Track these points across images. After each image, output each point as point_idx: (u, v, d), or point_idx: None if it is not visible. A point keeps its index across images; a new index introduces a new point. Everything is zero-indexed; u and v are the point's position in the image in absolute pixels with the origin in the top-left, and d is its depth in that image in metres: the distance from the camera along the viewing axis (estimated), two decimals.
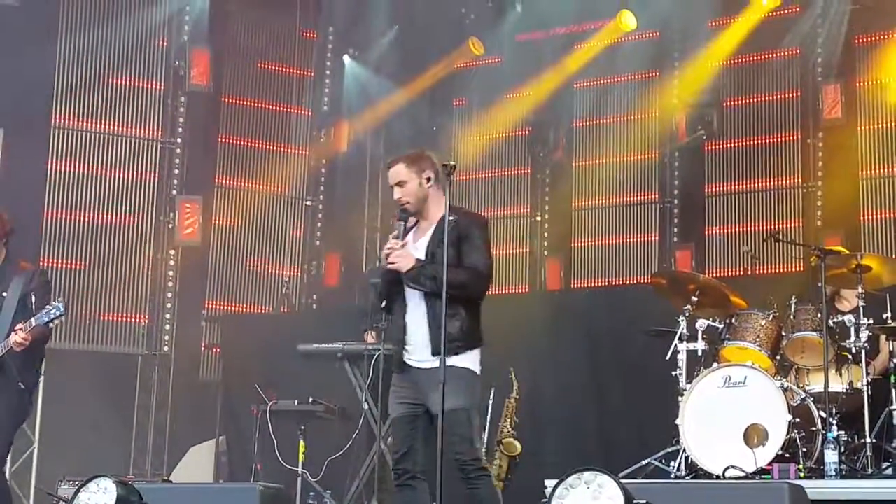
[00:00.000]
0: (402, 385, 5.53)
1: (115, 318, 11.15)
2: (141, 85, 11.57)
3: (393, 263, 5.39)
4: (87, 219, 11.19)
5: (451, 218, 5.47)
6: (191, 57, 11.79)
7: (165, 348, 11.43)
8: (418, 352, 5.46)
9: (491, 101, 12.27)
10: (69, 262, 10.89)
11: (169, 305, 11.51)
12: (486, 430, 7.72)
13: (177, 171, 11.69)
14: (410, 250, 5.49)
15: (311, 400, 8.31)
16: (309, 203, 12.44)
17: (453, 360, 5.35)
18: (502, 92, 12.17)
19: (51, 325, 6.43)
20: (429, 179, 5.57)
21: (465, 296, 5.41)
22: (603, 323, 9.31)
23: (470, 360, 5.42)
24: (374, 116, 12.69)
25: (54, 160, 11.20)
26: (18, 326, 6.30)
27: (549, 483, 6.74)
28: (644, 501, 3.71)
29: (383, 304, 5.61)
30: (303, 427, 8.26)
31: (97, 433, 10.35)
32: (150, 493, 4.61)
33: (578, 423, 8.97)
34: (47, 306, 6.32)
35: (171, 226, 11.52)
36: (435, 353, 5.34)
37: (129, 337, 11.19)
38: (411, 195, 5.55)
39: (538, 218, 12.27)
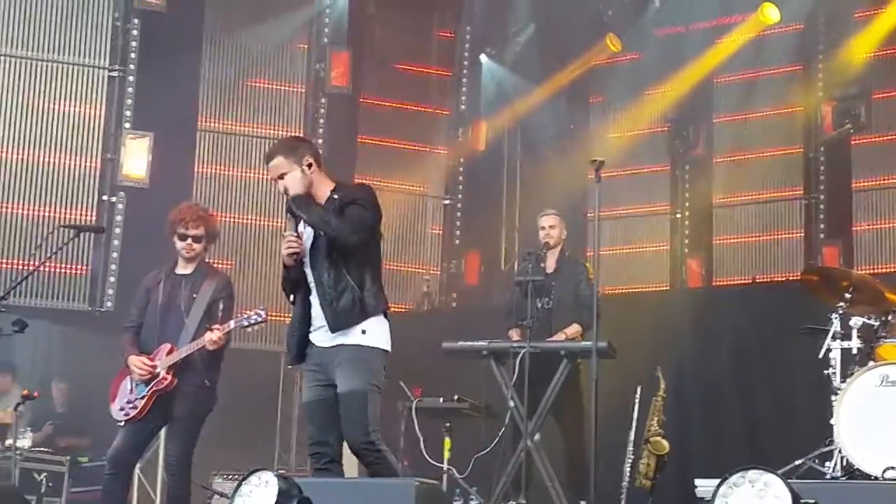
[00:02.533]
0: (311, 368, 5.50)
1: None
2: (283, 87, 11.77)
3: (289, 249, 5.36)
4: (232, 219, 11.38)
5: (335, 196, 5.45)
6: (331, 59, 11.95)
7: None
8: (321, 333, 5.44)
9: (629, 97, 12.16)
10: (215, 261, 11.05)
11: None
12: (634, 429, 7.69)
13: None
14: (306, 239, 5.47)
15: (456, 397, 8.33)
16: (448, 202, 12.51)
17: (351, 339, 5.34)
18: (641, 88, 12.06)
19: (248, 329, 6.60)
20: (310, 166, 5.49)
21: (344, 244, 5.31)
22: (749, 320, 9.17)
23: (370, 337, 5.36)
24: (512, 115, 12.71)
25: (201, 162, 11.45)
26: (215, 326, 6.45)
27: (700, 482, 6.69)
28: (812, 501, 3.61)
29: (290, 298, 5.59)
30: (448, 424, 8.32)
31: (243, 429, 10.55)
32: (307, 488, 4.66)
33: (725, 421, 8.86)
34: (249, 312, 6.46)
35: None
36: (333, 329, 5.34)
37: (272, 334, 11.35)
38: (296, 185, 5.48)
39: (678, 215, 12.11)
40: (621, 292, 11.62)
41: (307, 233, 5.50)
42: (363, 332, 5.36)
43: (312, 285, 5.47)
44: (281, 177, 5.49)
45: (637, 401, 7.77)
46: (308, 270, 5.49)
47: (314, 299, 5.46)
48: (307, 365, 5.52)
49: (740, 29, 11.58)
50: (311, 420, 5.50)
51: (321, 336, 5.45)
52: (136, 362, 6.56)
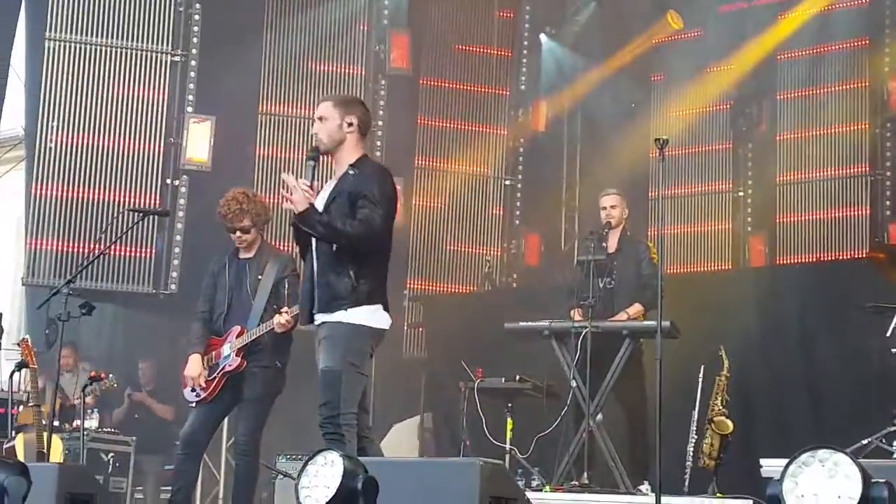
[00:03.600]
0: (317, 340, 5.42)
1: None
2: (343, 70, 11.74)
3: (289, 202, 5.19)
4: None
5: (351, 172, 5.34)
6: (390, 41, 11.97)
7: None
8: (319, 305, 5.35)
9: (691, 75, 12.03)
10: (277, 244, 11.17)
11: None
12: (697, 409, 7.64)
13: (378, 154, 11.83)
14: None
15: (517, 377, 8.33)
16: (508, 183, 12.48)
17: (337, 316, 5.23)
18: (703, 65, 11.93)
19: None
20: (350, 125, 5.40)
21: (354, 249, 5.25)
22: (813, 299, 9.04)
23: (356, 316, 5.24)
24: (572, 94, 12.67)
25: (262, 145, 11.50)
26: (284, 309, 6.50)
27: (766, 462, 6.65)
28: (884, 481, 3.56)
29: (300, 250, 5.52)
30: (510, 404, 8.33)
31: (307, 410, 10.60)
32: (372, 467, 4.67)
33: (790, 401, 8.75)
34: None
35: None
36: (319, 310, 5.25)
37: None
38: (326, 133, 5.40)
39: (741, 193, 11.99)
40: (683, 272, 11.55)
41: (317, 201, 5.36)
42: (346, 309, 5.25)
43: (314, 260, 5.39)
44: (320, 119, 5.43)
45: (700, 380, 7.72)
46: (313, 243, 5.39)
47: (317, 269, 5.37)
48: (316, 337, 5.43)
49: (804, 4, 11.38)
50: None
51: (317, 310, 5.37)
52: (192, 373, 6.65)
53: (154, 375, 10.78)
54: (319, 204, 5.34)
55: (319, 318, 5.31)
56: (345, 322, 5.25)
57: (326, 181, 5.59)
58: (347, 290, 5.24)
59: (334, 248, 5.28)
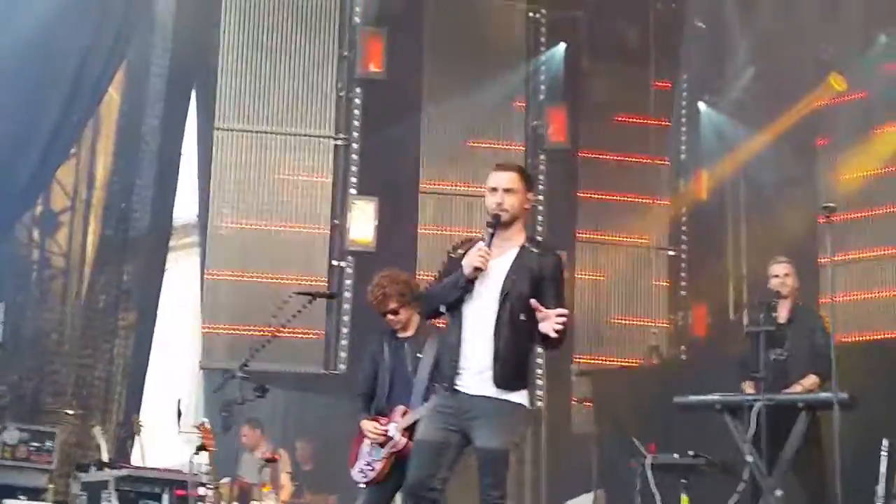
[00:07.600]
0: (446, 410, 5.17)
1: None
2: (501, 146, 11.86)
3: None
4: None
5: (534, 249, 5.22)
6: (548, 115, 12.04)
7: (539, 403, 11.60)
8: (471, 377, 5.13)
9: (858, 137, 11.74)
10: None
11: (539, 361, 11.67)
12: (883, 484, 7.35)
13: (539, 229, 11.86)
14: (496, 283, 5.14)
15: (691, 453, 8.16)
16: (672, 253, 12.35)
17: (510, 395, 5.09)
18: (870, 127, 11.63)
19: None
20: (529, 201, 5.32)
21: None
22: None
23: (523, 396, 5.15)
24: (734, 162, 12.50)
25: (423, 224, 11.63)
26: None
27: None
28: None
29: (441, 308, 5.23)
30: (684, 480, 8.16)
31: (471, 487, 10.58)
32: None
33: None
34: None
35: None
36: (499, 385, 5.06)
37: None
38: (513, 206, 5.22)
39: None
40: (859, 340, 11.16)
41: (497, 277, 5.18)
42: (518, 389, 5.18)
43: (477, 324, 5.17)
44: (508, 190, 5.27)
45: (884, 454, 7.43)
46: (476, 309, 5.16)
47: (469, 337, 5.16)
48: (438, 405, 5.25)
49: None
50: (424, 460, 5.18)
51: (466, 382, 5.16)
52: (369, 426, 6.68)
53: (313, 456, 10.90)
54: (499, 273, 5.20)
55: (489, 392, 5.13)
56: (510, 400, 5.13)
57: None
58: (522, 366, 5.19)
59: (515, 331, 5.14)
